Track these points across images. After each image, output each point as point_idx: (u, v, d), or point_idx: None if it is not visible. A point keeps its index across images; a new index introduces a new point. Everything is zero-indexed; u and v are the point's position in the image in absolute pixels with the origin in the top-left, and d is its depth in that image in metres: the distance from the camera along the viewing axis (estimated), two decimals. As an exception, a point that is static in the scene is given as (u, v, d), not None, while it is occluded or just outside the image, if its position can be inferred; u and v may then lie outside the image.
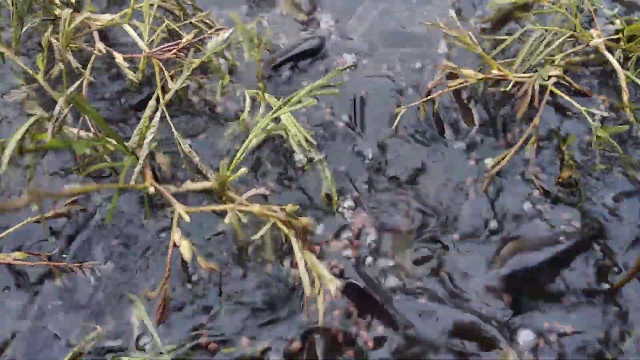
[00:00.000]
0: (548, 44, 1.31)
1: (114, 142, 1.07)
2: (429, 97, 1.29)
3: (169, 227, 1.20)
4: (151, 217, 1.21)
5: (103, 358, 1.05)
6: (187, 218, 0.97)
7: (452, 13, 1.32)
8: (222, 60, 1.39)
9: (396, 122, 1.30)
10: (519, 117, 1.27)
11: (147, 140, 1.09)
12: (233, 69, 1.43)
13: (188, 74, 1.19)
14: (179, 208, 0.98)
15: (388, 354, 1.05)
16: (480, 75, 1.28)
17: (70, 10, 1.18)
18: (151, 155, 1.20)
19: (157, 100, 1.16)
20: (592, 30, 1.35)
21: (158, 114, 1.14)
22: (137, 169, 1.06)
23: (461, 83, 1.25)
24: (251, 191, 1.03)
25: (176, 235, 0.96)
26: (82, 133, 1.16)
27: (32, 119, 1.03)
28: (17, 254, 1.04)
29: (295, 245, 0.92)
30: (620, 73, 1.26)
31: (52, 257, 1.15)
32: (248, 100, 1.25)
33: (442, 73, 1.29)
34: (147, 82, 1.36)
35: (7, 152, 0.98)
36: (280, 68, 1.41)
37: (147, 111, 1.15)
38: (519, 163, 1.29)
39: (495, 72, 1.28)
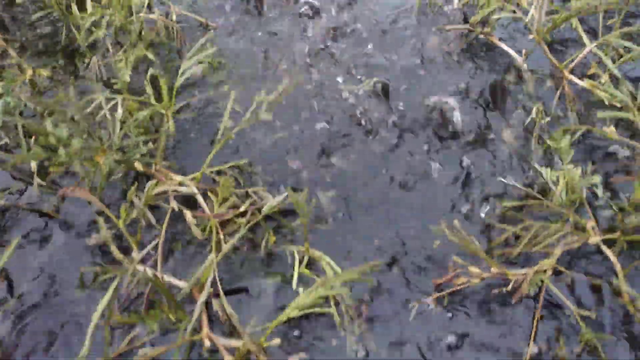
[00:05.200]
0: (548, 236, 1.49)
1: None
2: (440, 294, 1.48)
3: None
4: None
5: None
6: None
7: (456, 222, 1.52)
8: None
9: (412, 316, 1.47)
10: (515, 301, 1.46)
11: (204, 292, 1.32)
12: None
13: (240, 236, 1.45)
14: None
15: None
16: (484, 274, 1.50)
17: (155, 181, 1.48)
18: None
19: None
20: (589, 225, 1.49)
21: (214, 268, 1.38)
22: (195, 316, 1.28)
23: (465, 282, 1.46)
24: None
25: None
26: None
27: (109, 293, 1.28)
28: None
29: None
30: (620, 274, 1.41)
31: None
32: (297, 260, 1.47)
33: (452, 271, 1.50)
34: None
35: (94, 321, 1.21)
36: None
37: (206, 263, 1.40)
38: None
39: (494, 270, 1.48)
